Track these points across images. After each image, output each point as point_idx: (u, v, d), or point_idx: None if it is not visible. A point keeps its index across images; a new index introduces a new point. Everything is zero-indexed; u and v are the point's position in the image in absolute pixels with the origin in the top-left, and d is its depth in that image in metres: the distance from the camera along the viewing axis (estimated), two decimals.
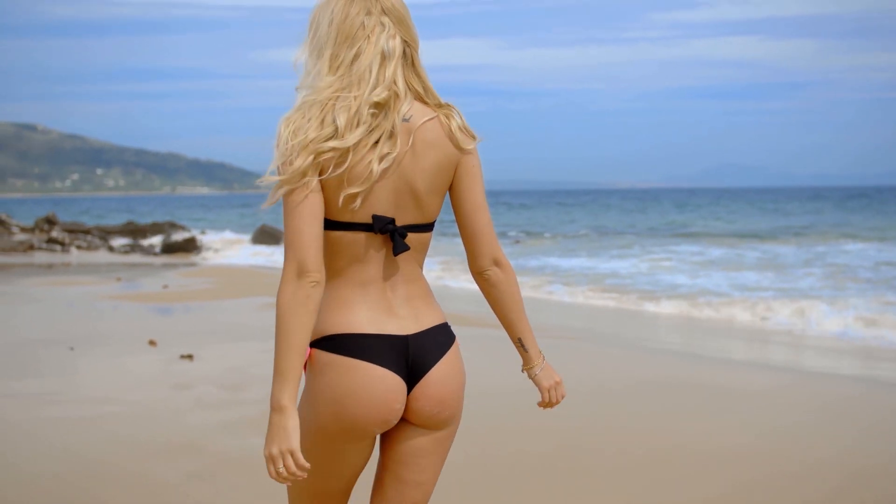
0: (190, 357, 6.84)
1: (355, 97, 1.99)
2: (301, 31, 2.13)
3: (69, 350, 7.21)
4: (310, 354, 2.08)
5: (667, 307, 11.47)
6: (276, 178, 1.96)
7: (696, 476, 4.25)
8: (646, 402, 5.54)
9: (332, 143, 1.95)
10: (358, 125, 1.98)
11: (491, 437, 4.79)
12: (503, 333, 7.97)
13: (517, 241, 29.24)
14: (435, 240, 24.30)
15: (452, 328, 2.25)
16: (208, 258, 21.39)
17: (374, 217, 2.02)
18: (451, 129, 2.08)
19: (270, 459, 1.94)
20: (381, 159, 1.99)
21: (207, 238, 28.26)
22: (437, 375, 2.09)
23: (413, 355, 2.08)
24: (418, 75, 2.08)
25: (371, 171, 1.98)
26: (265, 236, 27.68)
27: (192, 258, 21.36)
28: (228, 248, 24.26)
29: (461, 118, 2.10)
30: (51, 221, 28.51)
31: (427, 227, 2.11)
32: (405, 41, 2.07)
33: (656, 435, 4.83)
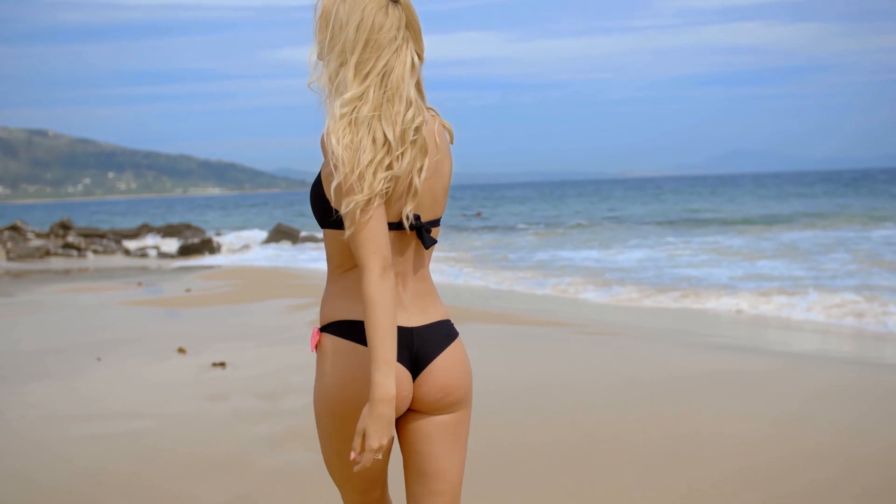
0: (223, 365, 6.62)
1: (396, 113, 2.09)
2: (308, 31, 2.17)
3: (96, 360, 7.00)
4: (318, 336, 2.20)
5: (676, 299, 11.13)
6: (355, 198, 2.04)
7: (699, 463, 4.16)
8: (650, 393, 5.44)
9: (390, 173, 2.07)
10: (404, 147, 2.10)
11: (506, 429, 4.66)
12: (522, 329, 7.83)
13: (536, 234, 28.98)
14: (456, 236, 23.71)
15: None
16: (226, 259, 21.18)
17: (413, 216, 2.15)
18: (449, 130, 2.25)
19: (380, 450, 2.05)
20: (420, 173, 2.13)
21: (224, 239, 28.11)
22: (440, 365, 2.19)
23: (417, 346, 2.18)
24: (419, 83, 2.20)
25: (415, 188, 2.12)
26: (281, 235, 27.50)
27: (210, 259, 21.16)
28: (246, 249, 24.04)
29: None
30: (66, 226, 28.40)
31: (438, 223, 2.24)
32: (418, 54, 2.18)
33: (662, 424, 4.81)
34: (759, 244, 19.61)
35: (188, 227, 31.84)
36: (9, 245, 23.69)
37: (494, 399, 5.25)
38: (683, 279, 13.24)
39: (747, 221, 30.32)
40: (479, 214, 43.54)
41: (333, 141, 2.04)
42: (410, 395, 2.18)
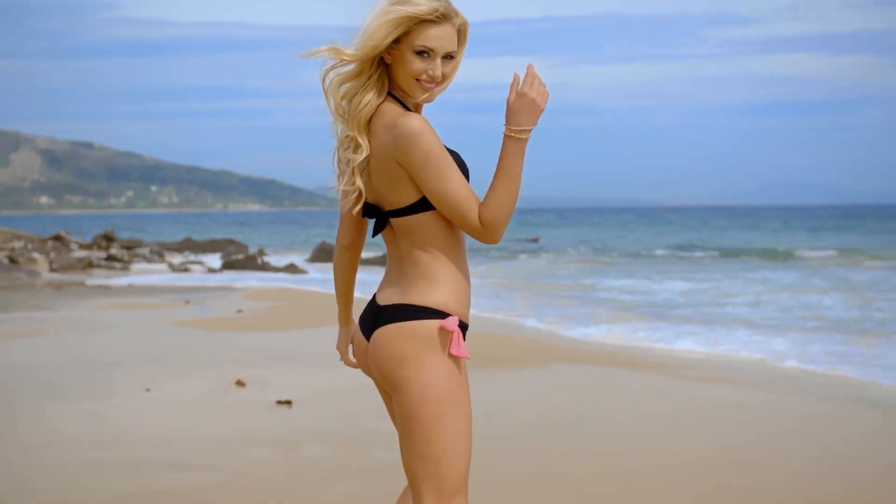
0: (288, 403, 5.85)
1: None
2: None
3: (145, 392, 6.28)
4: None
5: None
6: None
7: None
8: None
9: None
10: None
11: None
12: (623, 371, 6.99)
13: (584, 261, 28.07)
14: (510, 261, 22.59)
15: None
16: (272, 278, 20.51)
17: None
18: None
19: None
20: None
21: (267, 257, 27.55)
22: (372, 343, 2.33)
23: (376, 323, 2.33)
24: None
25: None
26: (325, 254, 26.85)
27: (256, 277, 20.48)
28: (292, 268, 23.36)
29: None
30: (109, 238, 27.99)
31: (404, 212, 2.26)
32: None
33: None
34: (811, 280, 18.51)
35: (231, 242, 31.41)
36: (52, 255, 23.24)
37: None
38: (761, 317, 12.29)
39: (800, 255, 29.24)
40: (536, 239, 42.71)
41: None
42: (366, 363, 2.41)
